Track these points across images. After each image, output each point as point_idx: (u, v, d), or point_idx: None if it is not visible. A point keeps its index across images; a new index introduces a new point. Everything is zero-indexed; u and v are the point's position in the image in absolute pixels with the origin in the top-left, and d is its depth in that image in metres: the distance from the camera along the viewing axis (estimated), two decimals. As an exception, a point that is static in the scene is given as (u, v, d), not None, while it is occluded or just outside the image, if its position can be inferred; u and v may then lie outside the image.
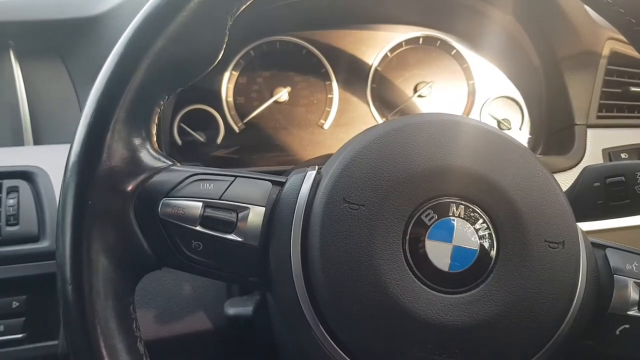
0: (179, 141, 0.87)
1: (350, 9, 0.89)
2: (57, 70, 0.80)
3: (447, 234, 0.39)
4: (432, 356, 0.38)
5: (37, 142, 0.77)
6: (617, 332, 0.43)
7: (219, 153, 0.88)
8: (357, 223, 0.39)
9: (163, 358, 0.66)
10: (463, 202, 0.39)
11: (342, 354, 0.39)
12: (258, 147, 0.90)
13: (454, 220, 0.39)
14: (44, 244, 0.64)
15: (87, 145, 0.40)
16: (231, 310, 0.62)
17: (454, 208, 0.39)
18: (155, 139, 0.44)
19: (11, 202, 0.65)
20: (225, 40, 0.44)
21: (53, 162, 0.70)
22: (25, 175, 0.68)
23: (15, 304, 0.63)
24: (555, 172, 0.75)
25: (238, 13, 0.44)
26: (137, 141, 0.42)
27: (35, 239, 0.64)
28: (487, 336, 0.38)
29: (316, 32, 0.90)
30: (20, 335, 0.62)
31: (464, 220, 0.39)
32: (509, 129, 0.91)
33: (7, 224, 0.64)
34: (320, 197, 0.40)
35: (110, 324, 0.39)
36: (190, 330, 0.68)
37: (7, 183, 0.66)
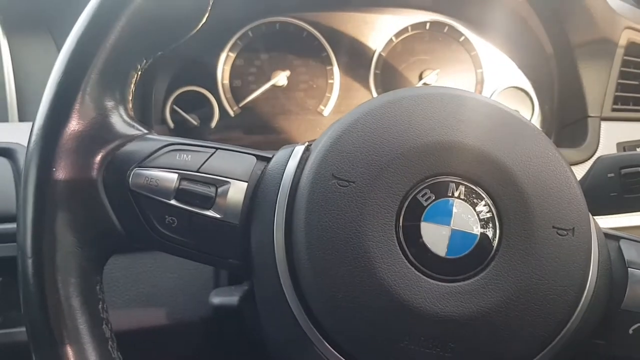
0: (171, 123, 0.85)
1: (354, -9, 0.86)
2: (46, 45, 0.78)
3: (445, 217, 0.36)
4: (424, 349, 0.35)
5: (22, 118, 0.74)
6: (630, 331, 0.39)
7: (212, 137, 0.86)
8: (346, 201, 0.36)
9: (145, 348, 0.64)
10: (464, 182, 0.36)
11: (327, 345, 0.37)
12: (254, 132, 0.87)
13: (453, 201, 0.36)
14: (21, 224, 0.61)
15: (54, 107, 0.38)
16: (216, 300, 0.60)
17: (454, 188, 0.36)
18: (130, 105, 0.42)
19: (-11, 179, 0.62)
20: (210, 3, 0.42)
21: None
22: (6, 152, 0.65)
23: (-10, 286, 0.60)
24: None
25: None
26: (109, 105, 0.40)
27: (12, 218, 0.61)
28: (486, 330, 0.35)
29: (318, 14, 0.87)
30: (-7, 321, 0.59)
31: (464, 202, 0.36)
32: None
33: (-16, 203, 0.61)
34: (307, 173, 0.37)
35: (73, 303, 0.37)
36: (174, 320, 0.65)
37: (-14, 160, 0.63)
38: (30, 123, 0.70)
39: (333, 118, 0.87)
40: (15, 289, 0.60)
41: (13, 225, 0.61)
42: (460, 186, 0.36)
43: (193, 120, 0.84)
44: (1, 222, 0.61)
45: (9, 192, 0.62)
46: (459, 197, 0.36)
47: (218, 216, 0.39)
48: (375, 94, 0.89)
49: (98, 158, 0.38)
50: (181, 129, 0.84)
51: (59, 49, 0.76)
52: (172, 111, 0.84)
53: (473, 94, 0.42)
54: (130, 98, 0.41)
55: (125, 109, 0.41)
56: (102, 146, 0.39)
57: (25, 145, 0.64)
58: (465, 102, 0.40)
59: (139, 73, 0.42)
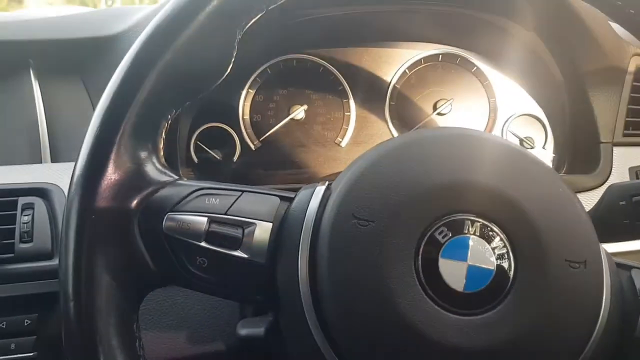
0: (196, 159, 0.87)
1: (368, 26, 0.89)
2: (76, 88, 0.81)
3: (461, 253, 0.37)
4: None
5: (54, 159, 0.77)
6: None
7: (235, 171, 0.88)
8: (366, 240, 0.37)
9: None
10: (479, 219, 0.38)
11: None
12: (274, 165, 0.89)
13: (469, 238, 0.37)
14: (57, 261, 0.63)
15: (92, 158, 0.40)
16: (243, 331, 0.61)
17: (469, 225, 0.37)
18: (162, 153, 0.44)
19: (26, 219, 0.65)
20: (234, 54, 0.44)
21: (69, 180, 0.69)
22: (41, 192, 0.68)
23: (27, 322, 0.62)
24: (580, 192, 0.73)
25: (247, 27, 0.44)
26: (143, 155, 0.42)
27: (48, 256, 0.64)
28: None
29: (333, 50, 0.90)
30: (31, 354, 0.61)
31: (480, 238, 0.37)
32: (532, 147, 0.89)
33: (21, 241, 0.64)
34: (329, 213, 0.39)
35: (112, 342, 0.39)
36: (202, 351, 0.66)
37: (23, 200, 0.66)
38: (63, 164, 0.74)
39: (350, 149, 0.89)
40: (50, 325, 0.63)
41: (48, 263, 0.64)
42: (476, 223, 0.37)
43: (216, 155, 0.87)
44: (37, 260, 0.63)
45: (44, 231, 0.64)
46: (474, 234, 0.37)
47: (245, 256, 0.40)
48: (390, 125, 0.91)
49: (133, 204, 0.41)
50: (205, 163, 0.87)
51: (89, 93, 0.80)
52: (196, 147, 0.87)
53: (486, 133, 0.44)
54: (161, 146, 0.44)
55: (157, 157, 0.43)
56: (137, 193, 0.41)
57: (59, 185, 0.68)
58: (479, 142, 0.41)
59: (169, 122, 0.44)
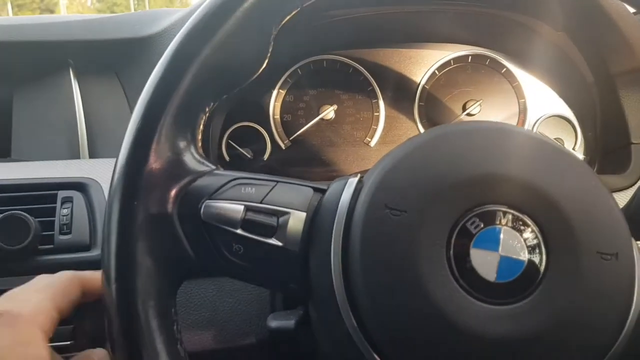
0: (227, 157, 0.89)
1: (397, 28, 0.89)
2: (113, 87, 0.84)
3: (493, 243, 0.37)
4: None
5: (92, 155, 0.80)
6: None
7: (265, 169, 0.90)
8: (399, 229, 0.37)
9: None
10: (511, 211, 0.38)
11: None
12: (304, 164, 0.90)
13: (500, 229, 0.37)
14: (94, 253, 0.65)
15: (134, 148, 0.41)
16: (273, 324, 0.62)
17: (501, 216, 0.38)
18: (200, 143, 0.45)
19: (65, 211, 0.67)
20: (270, 50, 0.45)
21: (106, 174, 0.72)
22: (79, 186, 0.70)
23: (65, 311, 0.64)
24: (611, 192, 0.72)
25: (283, 23, 0.45)
26: (182, 144, 0.43)
27: (86, 247, 0.66)
28: (533, 351, 0.36)
29: (363, 51, 0.90)
30: (67, 343, 0.63)
31: (512, 229, 0.37)
32: (562, 149, 0.88)
33: (61, 233, 0.66)
34: (362, 203, 0.39)
35: (152, 324, 0.40)
36: (232, 344, 0.67)
37: (62, 194, 0.68)
38: (100, 160, 0.76)
39: (379, 149, 0.90)
40: (87, 315, 0.64)
41: (87, 254, 0.65)
42: (508, 214, 0.37)
43: (247, 153, 0.88)
44: (76, 251, 0.65)
45: (82, 224, 0.66)
46: (506, 225, 0.37)
47: (280, 244, 0.41)
48: (419, 125, 0.91)
49: (173, 192, 0.42)
50: (236, 162, 0.88)
51: (125, 91, 0.83)
52: (228, 145, 0.88)
53: (517, 127, 0.44)
54: (200, 137, 0.45)
55: (196, 148, 0.44)
56: (176, 182, 0.42)
57: (96, 179, 0.70)
58: (510, 135, 0.41)
59: (207, 115, 0.46)
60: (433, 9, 0.83)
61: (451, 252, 0.37)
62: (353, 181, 0.42)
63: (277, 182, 0.44)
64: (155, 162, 0.41)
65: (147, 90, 0.42)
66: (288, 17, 0.45)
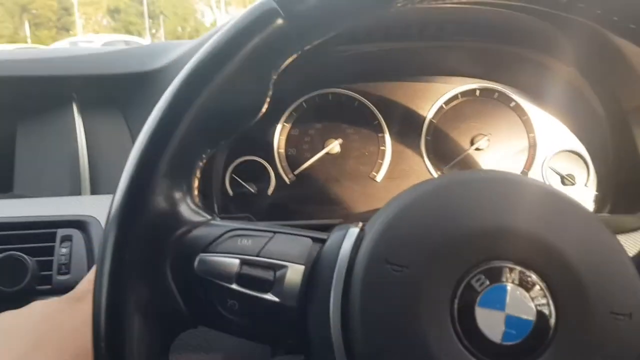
0: (231, 192, 0.88)
1: (403, 62, 0.89)
2: (116, 121, 0.84)
3: (499, 302, 0.36)
4: None
5: (94, 191, 0.79)
6: None
7: (269, 204, 0.89)
8: (400, 286, 0.36)
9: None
10: (518, 267, 0.36)
11: None
12: (309, 199, 0.89)
13: (507, 286, 0.36)
14: (92, 294, 0.64)
15: (127, 198, 0.40)
16: (275, 369, 0.60)
17: (508, 273, 0.36)
18: (196, 192, 0.44)
19: (64, 251, 0.66)
20: (269, 95, 0.44)
21: (107, 212, 0.71)
22: (79, 224, 0.69)
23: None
24: (624, 233, 0.70)
25: (282, 68, 0.44)
26: (177, 195, 0.42)
27: (84, 288, 0.65)
28: None
29: (368, 84, 0.90)
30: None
31: (519, 287, 0.36)
32: (573, 184, 0.87)
33: (59, 273, 0.65)
34: (362, 257, 0.38)
35: None
36: (233, 388, 0.66)
37: (62, 232, 0.68)
38: (101, 197, 0.76)
39: (386, 184, 0.88)
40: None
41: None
42: (514, 271, 0.36)
43: (251, 188, 0.88)
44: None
45: (81, 264, 0.66)
46: (513, 283, 0.36)
47: (276, 300, 0.40)
48: (426, 160, 0.90)
49: (166, 245, 0.41)
50: (240, 197, 0.88)
51: (129, 126, 0.83)
52: (232, 180, 0.88)
53: (524, 177, 0.43)
54: (196, 186, 0.44)
55: (192, 197, 0.43)
56: (170, 233, 0.41)
57: (97, 217, 0.69)
58: (517, 186, 0.40)
59: (204, 162, 0.45)
60: (439, 45, 0.83)
61: (455, 311, 0.36)
62: (354, 232, 0.41)
63: (275, 232, 0.43)
64: (149, 214, 0.40)
65: (142, 138, 0.41)
66: (288, 62, 0.44)
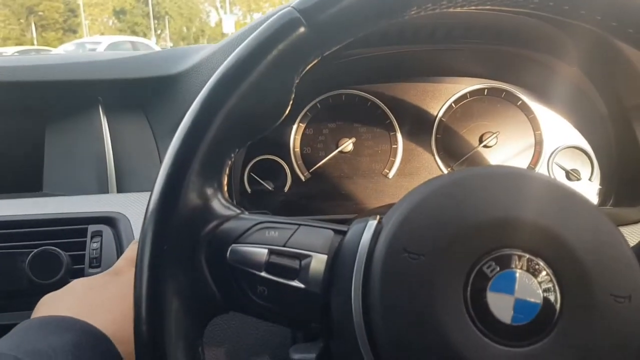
0: (249, 189, 0.91)
1: (414, 63, 0.91)
2: (140, 123, 0.87)
3: (509, 286, 0.38)
4: None
5: (120, 189, 0.82)
6: None
7: (286, 200, 0.91)
8: (417, 272, 0.38)
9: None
10: (526, 254, 0.39)
11: None
12: (323, 196, 0.92)
13: (516, 272, 0.38)
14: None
15: (164, 195, 0.43)
16: (295, 356, 0.63)
17: (517, 260, 0.38)
18: (225, 188, 0.47)
19: (95, 245, 0.69)
20: (292, 98, 0.47)
21: (134, 209, 0.75)
22: (109, 220, 0.73)
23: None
24: (626, 224, 0.72)
25: (304, 73, 0.47)
26: (209, 191, 0.45)
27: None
28: None
29: (381, 85, 0.92)
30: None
31: (527, 273, 0.38)
32: (578, 179, 0.89)
33: (91, 266, 0.68)
34: (381, 246, 0.41)
35: None
36: (255, 374, 0.69)
37: (92, 228, 0.71)
38: (128, 194, 0.79)
39: (397, 180, 0.91)
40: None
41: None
42: (523, 258, 0.38)
43: (268, 185, 0.90)
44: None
45: (111, 257, 0.69)
46: (521, 269, 0.38)
47: (302, 286, 0.43)
48: (437, 157, 0.92)
49: (201, 237, 0.44)
50: (258, 194, 0.90)
51: (152, 128, 0.85)
52: (250, 178, 0.90)
53: (533, 172, 0.45)
54: (225, 182, 0.47)
55: (222, 193, 0.46)
56: (204, 226, 0.44)
57: (124, 214, 0.72)
58: (526, 179, 0.42)
59: (232, 160, 0.48)
60: (448, 47, 0.85)
61: (468, 295, 0.38)
62: (372, 223, 0.43)
63: (299, 225, 0.45)
64: (184, 209, 0.43)
65: (176, 140, 0.44)
66: (309, 67, 0.47)
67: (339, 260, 0.43)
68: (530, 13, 0.55)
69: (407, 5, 0.44)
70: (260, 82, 0.44)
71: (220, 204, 0.46)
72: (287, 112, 0.47)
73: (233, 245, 0.44)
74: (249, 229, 0.45)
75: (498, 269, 0.38)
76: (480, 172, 0.44)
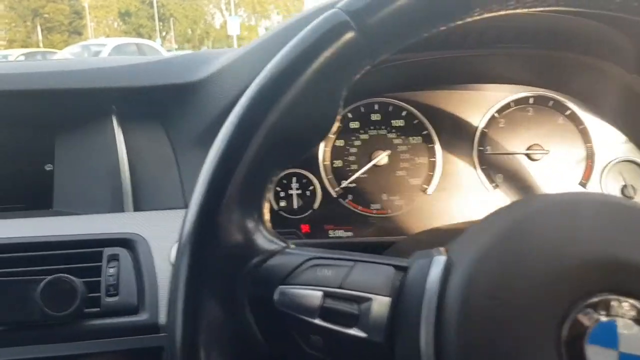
0: (275, 206, 0.86)
1: (453, 69, 0.86)
2: (158, 135, 0.82)
3: (611, 338, 0.33)
4: None
5: (137, 207, 0.77)
6: None
7: (315, 218, 0.86)
8: (501, 322, 0.34)
9: None
10: (630, 300, 0.34)
11: None
12: (356, 214, 0.87)
13: (619, 321, 0.33)
14: (143, 317, 0.62)
15: (198, 229, 0.38)
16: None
17: (619, 306, 0.34)
18: (267, 217, 0.42)
19: (111, 271, 0.64)
20: (340, 111, 0.42)
21: (152, 229, 0.70)
22: (126, 242, 0.68)
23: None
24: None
25: (354, 82, 0.42)
26: (250, 222, 0.40)
27: (134, 310, 0.63)
28: None
29: (416, 93, 0.87)
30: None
31: (633, 323, 0.33)
32: (632, 197, 0.84)
33: (107, 294, 0.63)
34: (456, 290, 0.36)
35: None
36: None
37: (108, 251, 0.66)
38: (146, 213, 0.74)
39: (437, 196, 0.86)
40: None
41: (135, 318, 0.62)
42: (626, 304, 0.33)
43: (296, 202, 0.86)
44: (123, 314, 0.62)
45: (130, 284, 0.64)
46: (625, 317, 0.33)
47: (363, 335, 0.38)
48: (479, 171, 0.87)
49: (242, 275, 0.39)
50: (285, 210, 0.86)
51: (170, 139, 0.80)
52: (276, 194, 0.86)
53: (625, 200, 0.40)
54: (266, 211, 0.42)
55: (264, 224, 0.41)
56: (246, 264, 0.40)
57: (142, 235, 0.67)
58: (624, 210, 0.38)
59: (273, 185, 0.42)
60: (493, 52, 0.80)
61: (562, 349, 0.33)
62: (440, 260, 0.39)
63: (356, 261, 0.40)
64: (222, 246, 0.38)
65: (210, 162, 0.39)
66: (358, 76, 0.42)
67: (403, 303, 0.38)
68: (591, 14, 0.50)
69: (469, 7, 0.41)
70: (304, 94, 0.39)
71: (263, 237, 0.41)
72: (334, 127, 0.43)
73: (281, 286, 0.40)
74: (298, 266, 0.41)
75: (597, 317, 0.33)
76: (567, 199, 0.39)
